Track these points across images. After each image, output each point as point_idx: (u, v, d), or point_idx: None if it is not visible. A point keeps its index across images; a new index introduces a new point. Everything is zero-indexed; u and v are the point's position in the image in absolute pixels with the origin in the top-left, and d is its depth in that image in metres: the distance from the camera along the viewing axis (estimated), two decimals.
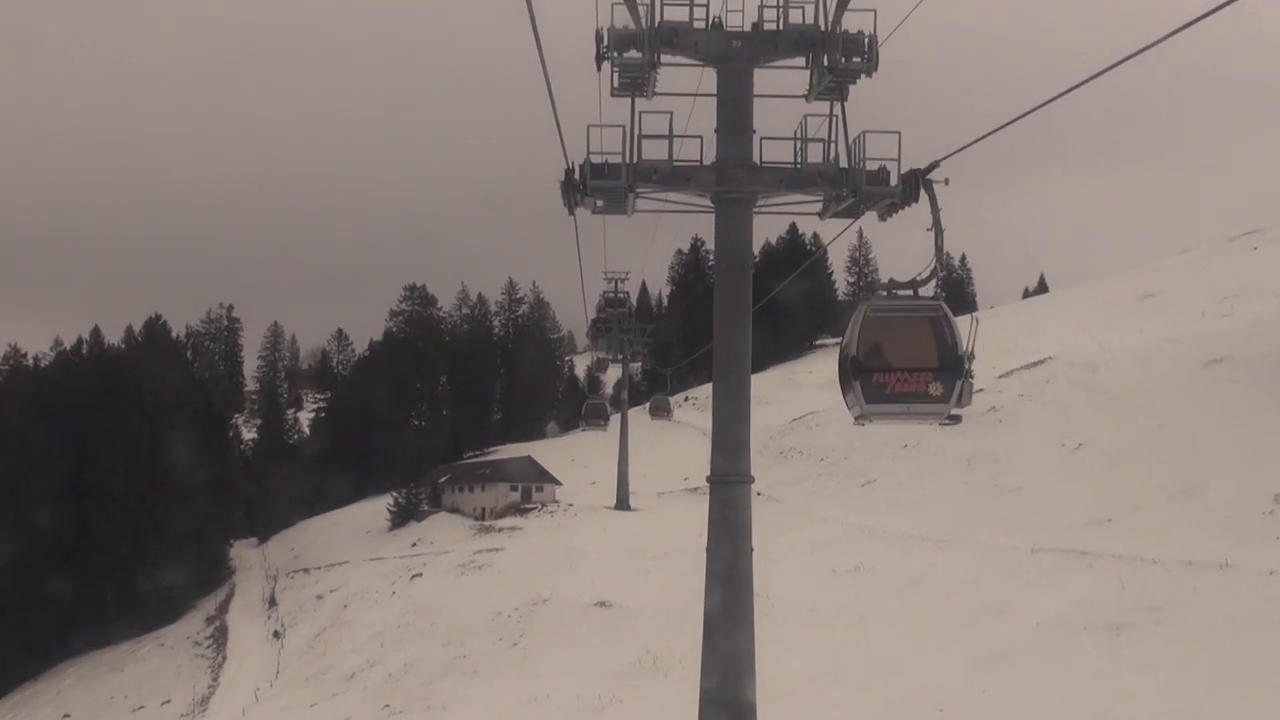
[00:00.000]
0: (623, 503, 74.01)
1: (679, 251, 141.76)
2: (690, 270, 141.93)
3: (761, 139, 14.84)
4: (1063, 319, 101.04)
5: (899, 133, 14.02)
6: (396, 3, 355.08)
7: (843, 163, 14.54)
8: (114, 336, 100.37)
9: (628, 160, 14.29)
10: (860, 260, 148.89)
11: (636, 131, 14.51)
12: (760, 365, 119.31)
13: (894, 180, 14.10)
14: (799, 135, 14.99)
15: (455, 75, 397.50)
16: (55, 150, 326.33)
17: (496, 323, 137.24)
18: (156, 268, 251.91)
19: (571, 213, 15.01)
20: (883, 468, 69.51)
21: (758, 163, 14.77)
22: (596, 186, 14.30)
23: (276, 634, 61.70)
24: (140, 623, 71.10)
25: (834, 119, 14.82)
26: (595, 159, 14.25)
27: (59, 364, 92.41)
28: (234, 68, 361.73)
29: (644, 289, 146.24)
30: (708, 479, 15.02)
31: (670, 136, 14.48)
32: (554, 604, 52.55)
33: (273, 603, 68.14)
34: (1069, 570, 43.48)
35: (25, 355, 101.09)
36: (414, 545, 72.70)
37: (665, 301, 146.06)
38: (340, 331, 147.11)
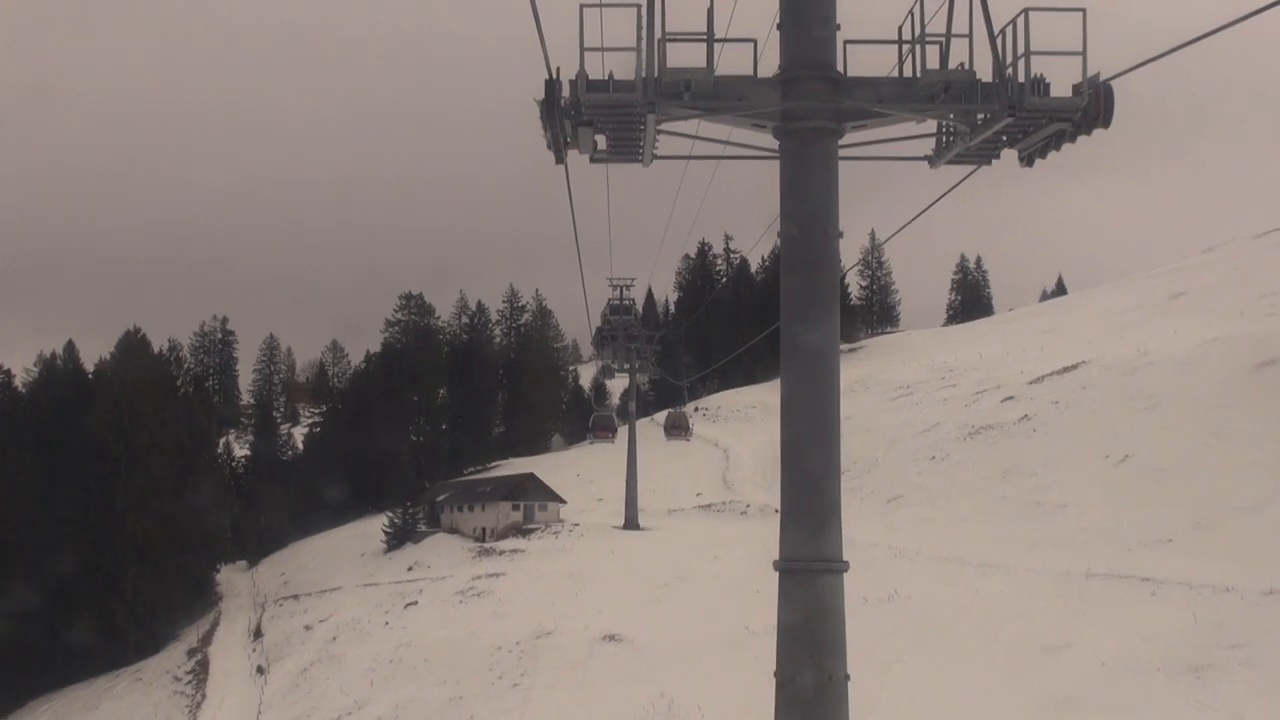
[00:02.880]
0: (631, 522, 69.71)
1: (686, 256, 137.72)
2: (698, 275, 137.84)
3: (846, 42, 9.81)
4: (1089, 321, 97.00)
5: (1083, 10, 8.90)
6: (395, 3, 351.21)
7: (979, 72, 9.46)
8: (106, 350, 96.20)
9: (645, 69, 9.20)
10: (873, 264, 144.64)
11: (657, 29, 9.27)
12: (770, 373, 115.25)
13: (1051, 94, 9.17)
14: (910, 35, 9.82)
15: (454, 76, 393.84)
16: (46, 157, 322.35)
17: (498, 332, 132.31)
18: (149, 279, 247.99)
19: (560, 158, 9.97)
20: (910, 482, 65.20)
21: (843, 73, 9.79)
22: (597, 105, 9.25)
23: (260, 669, 57.38)
24: (119, 655, 66.63)
25: (960, 2, 9.57)
26: (594, 76, 9.24)
27: (39, 381, 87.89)
28: (231, 74, 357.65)
29: (650, 295, 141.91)
30: (776, 565, 9.74)
31: (710, 39, 9.32)
32: (558, 637, 48.24)
33: (258, 634, 63.76)
34: (1131, 600, 39.23)
35: (8, 371, 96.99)
36: (410, 569, 68.29)
37: (672, 308, 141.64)
38: (335, 343, 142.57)
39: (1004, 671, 35.47)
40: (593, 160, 10.26)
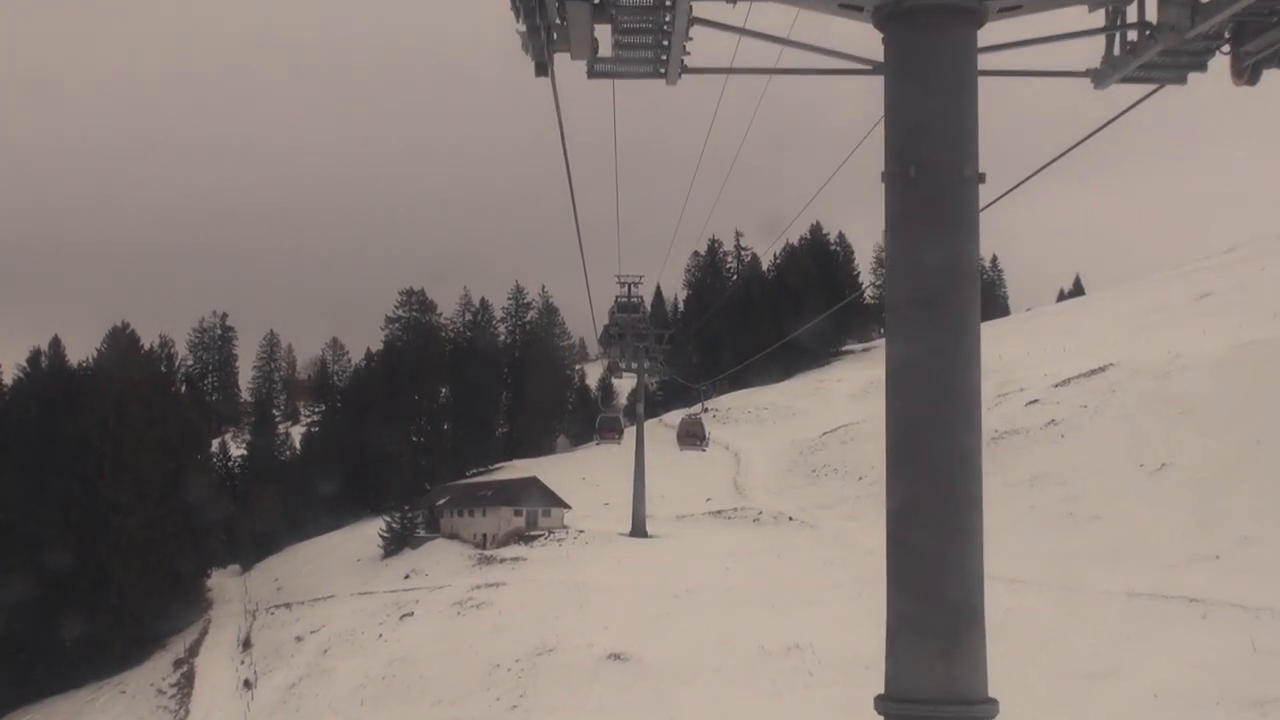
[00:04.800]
0: (639, 530, 66.75)
1: (695, 254, 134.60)
2: (708, 273, 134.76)
3: None
4: (1112, 322, 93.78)
5: None
6: (393, 4, 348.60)
7: None
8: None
9: None
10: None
11: None
12: (785, 373, 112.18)
13: None
14: None
15: (455, 73, 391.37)
16: (48, 158, 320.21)
17: (502, 329, 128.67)
18: (150, 275, 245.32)
19: (543, 65, 6.54)
20: None
21: None
22: None
23: (248, 683, 54.53)
24: (102, 665, 63.62)
25: None
26: None
27: (24, 378, 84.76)
28: (230, 73, 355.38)
29: (658, 293, 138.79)
30: (879, 706, 6.56)
31: None
32: (560, 654, 45.37)
33: (247, 644, 60.85)
34: (1181, 623, 36.25)
35: None
36: (407, 577, 65.39)
37: (681, 307, 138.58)
38: (335, 340, 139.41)
39: (1045, 702, 32.52)
40: (592, 74, 6.85)
